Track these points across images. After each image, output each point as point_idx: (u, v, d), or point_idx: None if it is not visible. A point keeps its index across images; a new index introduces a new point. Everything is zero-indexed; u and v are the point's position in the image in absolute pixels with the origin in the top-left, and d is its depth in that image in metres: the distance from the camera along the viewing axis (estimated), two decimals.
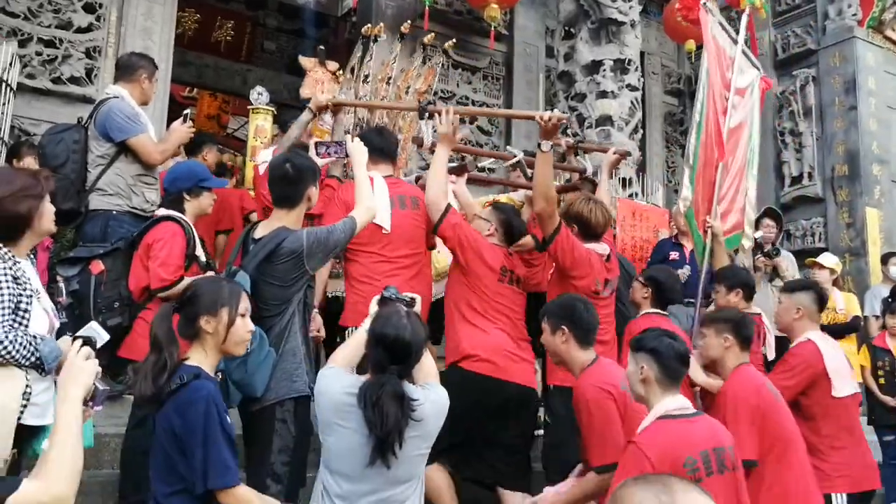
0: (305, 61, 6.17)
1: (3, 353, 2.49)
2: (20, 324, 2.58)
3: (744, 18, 5.20)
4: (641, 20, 8.59)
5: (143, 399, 2.49)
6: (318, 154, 3.78)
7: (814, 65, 9.23)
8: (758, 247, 6.52)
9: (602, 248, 4.15)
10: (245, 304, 2.68)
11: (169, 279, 3.60)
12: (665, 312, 4.31)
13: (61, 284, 3.70)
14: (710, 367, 3.78)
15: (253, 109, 7.09)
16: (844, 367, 3.99)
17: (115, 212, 4.33)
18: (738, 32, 5.13)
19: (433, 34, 6.41)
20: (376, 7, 8.40)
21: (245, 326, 2.67)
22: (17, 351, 2.52)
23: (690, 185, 4.71)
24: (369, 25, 5.95)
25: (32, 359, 2.56)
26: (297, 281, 3.14)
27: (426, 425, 2.77)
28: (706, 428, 2.95)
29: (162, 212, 3.90)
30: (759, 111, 5.38)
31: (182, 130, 4.57)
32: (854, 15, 8.97)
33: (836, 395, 3.89)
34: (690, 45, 8.90)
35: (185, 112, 4.66)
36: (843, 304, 6.49)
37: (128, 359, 3.71)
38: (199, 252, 3.79)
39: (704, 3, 4.79)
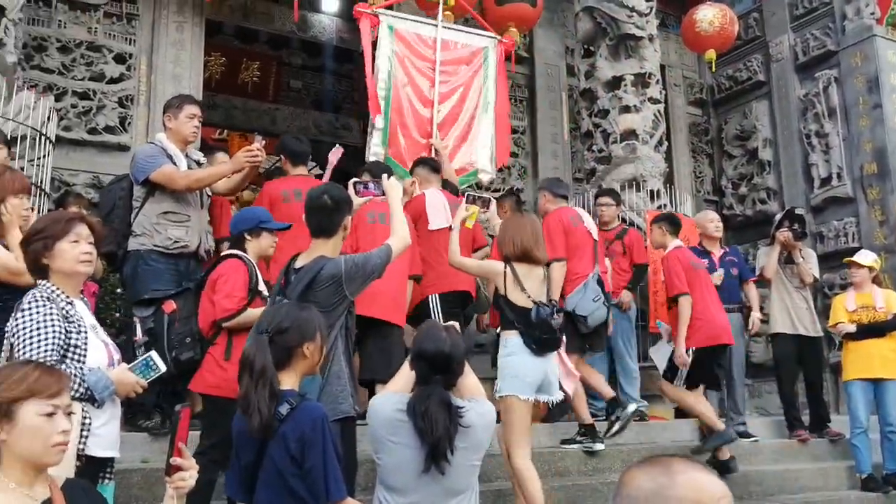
0: None
1: None
2: (73, 359, 2.65)
3: (440, 9, 6.35)
4: (660, 33, 8.64)
5: (260, 429, 2.55)
6: (356, 193, 3.89)
7: (835, 66, 9.17)
8: (786, 217, 6.64)
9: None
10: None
11: (233, 308, 3.75)
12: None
13: (137, 324, 3.92)
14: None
15: None
16: (440, 209, 5.25)
17: (142, 251, 4.51)
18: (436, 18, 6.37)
19: None
20: None
21: (324, 350, 2.84)
22: None
23: (382, 145, 6.01)
24: None
25: (81, 390, 2.61)
26: (338, 306, 3.24)
27: (475, 435, 2.92)
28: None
29: (227, 251, 4.10)
30: (500, 69, 6.57)
31: (237, 158, 4.61)
32: (872, 14, 8.91)
33: (430, 227, 5.21)
34: (710, 54, 8.91)
35: (256, 136, 4.70)
36: (883, 302, 6.43)
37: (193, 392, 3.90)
38: (262, 287, 3.90)
39: (376, 12, 6.06)
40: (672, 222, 6.13)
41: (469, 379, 3.18)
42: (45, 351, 2.57)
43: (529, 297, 4.31)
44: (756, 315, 6.54)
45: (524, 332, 4.26)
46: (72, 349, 2.67)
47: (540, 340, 4.24)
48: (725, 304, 6.28)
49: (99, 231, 2.94)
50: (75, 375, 2.61)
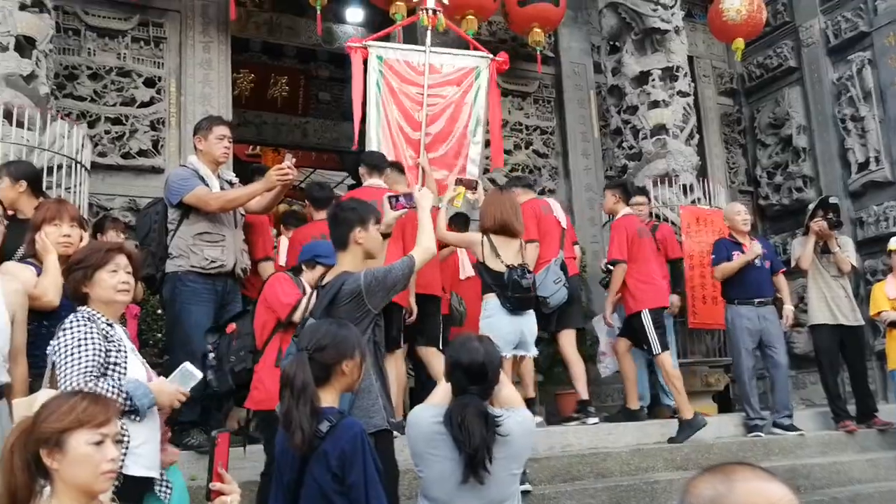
0: None
1: None
2: (112, 377, 2.72)
3: (428, 35, 6.32)
4: (686, 25, 8.57)
5: (302, 446, 2.57)
6: (391, 207, 3.94)
7: (868, 47, 8.96)
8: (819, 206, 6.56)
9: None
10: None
11: (291, 302, 3.93)
12: None
13: (210, 349, 4.20)
14: None
15: None
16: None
17: (179, 273, 4.58)
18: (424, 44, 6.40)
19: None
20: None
21: (363, 367, 2.88)
22: None
23: None
24: None
25: (120, 400, 2.64)
26: (362, 320, 3.25)
27: (513, 444, 2.91)
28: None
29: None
30: (493, 85, 6.63)
31: (268, 177, 4.62)
32: None
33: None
34: (738, 43, 8.81)
35: (286, 153, 4.79)
36: None
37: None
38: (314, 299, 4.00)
39: (366, 45, 6.28)
40: (625, 190, 6.40)
41: (506, 389, 3.18)
42: (85, 366, 2.64)
43: (503, 262, 4.87)
44: (788, 307, 6.43)
45: (500, 293, 4.87)
46: (111, 367, 2.74)
47: (513, 299, 4.85)
48: (759, 297, 6.23)
49: (137, 259, 3.03)
50: (115, 387, 2.66)
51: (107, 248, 2.95)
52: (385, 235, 3.79)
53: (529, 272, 4.99)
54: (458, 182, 5.01)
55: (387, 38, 6.88)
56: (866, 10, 9.02)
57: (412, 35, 7.80)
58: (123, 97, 7.28)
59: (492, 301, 4.92)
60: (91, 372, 2.63)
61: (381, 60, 6.26)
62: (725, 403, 7.96)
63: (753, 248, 6.22)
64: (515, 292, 4.83)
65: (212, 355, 4.17)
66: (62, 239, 3.60)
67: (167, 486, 2.89)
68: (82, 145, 5.62)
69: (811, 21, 9.63)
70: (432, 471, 2.92)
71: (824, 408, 6.88)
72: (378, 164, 5.47)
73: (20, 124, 5.13)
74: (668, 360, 5.88)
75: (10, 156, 4.92)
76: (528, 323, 4.98)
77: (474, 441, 2.79)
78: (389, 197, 4.03)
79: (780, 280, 6.48)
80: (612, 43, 8.18)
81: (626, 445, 5.51)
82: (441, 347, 5.41)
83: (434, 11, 6.28)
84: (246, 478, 4.00)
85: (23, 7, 5.44)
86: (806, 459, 5.86)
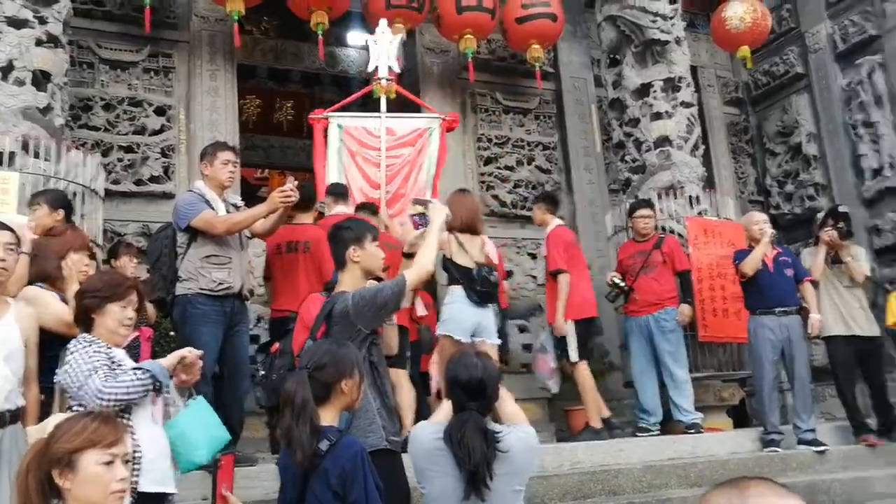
0: None
1: (106, 399, 2.71)
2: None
3: (382, 99, 6.55)
4: (689, 34, 8.55)
5: (303, 463, 2.60)
6: (414, 226, 4.00)
7: (878, 51, 8.85)
8: (829, 216, 6.51)
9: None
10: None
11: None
12: None
13: (259, 367, 4.54)
14: None
15: None
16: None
17: (189, 295, 4.65)
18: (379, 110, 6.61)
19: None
20: (422, 67, 8.67)
21: (363, 386, 2.92)
22: (118, 394, 2.74)
23: None
24: None
25: (143, 384, 2.80)
26: (354, 340, 3.23)
27: (514, 460, 2.92)
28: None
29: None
30: (442, 142, 6.81)
31: (271, 199, 4.66)
32: None
33: None
34: (744, 51, 8.79)
35: (288, 176, 4.86)
36: None
37: None
38: None
39: (327, 116, 6.57)
40: (552, 202, 6.74)
41: (508, 405, 3.19)
42: (105, 375, 2.75)
43: (471, 258, 5.37)
44: (815, 316, 6.23)
45: (466, 286, 5.32)
46: None
47: (481, 293, 5.32)
48: (781, 307, 6.10)
49: (142, 295, 3.18)
50: (137, 372, 2.82)
51: (127, 285, 3.08)
52: (411, 255, 3.81)
53: (495, 270, 5.49)
54: (416, 202, 5.21)
55: (368, 103, 7.07)
56: (875, 13, 8.91)
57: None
58: (135, 126, 7.41)
59: (457, 291, 5.37)
60: (111, 378, 2.76)
61: (341, 129, 6.62)
62: (742, 419, 7.85)
63: (766, 232, 6.23)
64: (484, 287, 5.31)
65: (261, 373, 4.38)
66: (84, 268, 3.78)
67: None
68: (96, 174, 5.73)
69: (818, 26, 9.57)
70: (434, 487, 2.95)
71: (845, 421, 6.68)
72: (343, 192, 5.80)
73: (37, 155, 5.25)
74: (586, 370, 6.14)
75: (28, 186, 5.04)
76: (488, 314, 5.41)
77: (474, 457, 2.81)
78: (411, 215, 4.10)
79: (807, 288, 6.30)
80: (612, 56, 8.13)
81: (639, 462, 5.44)
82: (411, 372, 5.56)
83: (387, 80, 6.54)
84: (257, 497, 4.03)
85: (39, 43, 5.56)
86: (826, 475, 5.71)
